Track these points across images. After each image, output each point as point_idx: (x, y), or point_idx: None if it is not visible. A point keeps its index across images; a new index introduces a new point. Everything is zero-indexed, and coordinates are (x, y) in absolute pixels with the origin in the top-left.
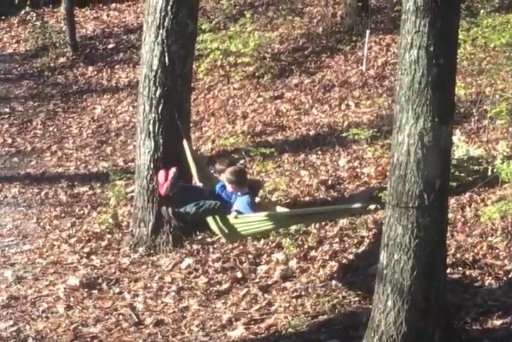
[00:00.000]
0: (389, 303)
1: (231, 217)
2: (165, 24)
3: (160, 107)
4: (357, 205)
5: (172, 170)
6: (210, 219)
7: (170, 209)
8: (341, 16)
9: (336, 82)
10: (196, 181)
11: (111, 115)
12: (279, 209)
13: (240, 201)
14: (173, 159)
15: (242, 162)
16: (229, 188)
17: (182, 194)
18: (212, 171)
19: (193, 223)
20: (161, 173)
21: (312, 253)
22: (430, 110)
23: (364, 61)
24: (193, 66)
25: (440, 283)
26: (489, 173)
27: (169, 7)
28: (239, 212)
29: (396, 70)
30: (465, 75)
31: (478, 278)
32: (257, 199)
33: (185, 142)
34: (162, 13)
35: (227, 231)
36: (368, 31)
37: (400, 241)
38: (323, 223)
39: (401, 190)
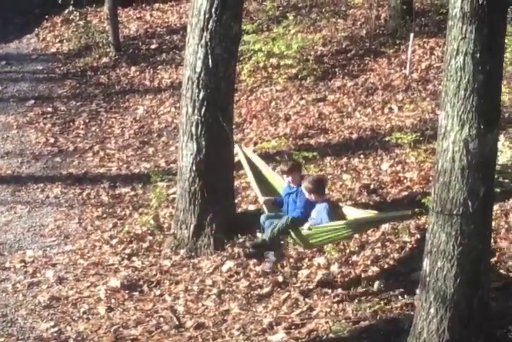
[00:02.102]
0: (432, 310)
1: (305, 229)
2: (209, 26)
3: (203, 110)
4: (408, 212)
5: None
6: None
7: (248, 244)
8: (385, 19)
9: (380, 85)
10: (259, 196)
11: (153, 116)
12: (347, 208)
13: (319, 209)
14: (216, 161)
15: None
16: (308, 196)
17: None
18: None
19: (273, 244)
20: None
21: (354, 258)
22: (475, 116)
23: (408, 64)
24: (236, 68)
25: (483, 291)
26: None
27: (213, 9)
28: (315, 223)
29: (440, 74)
30: (510, 80)
31: None
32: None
33: (237, 147)
34: (207, 16)
35: (300, 242)
36: (412, 34)
37: (443, 248)
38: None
39: (445, 197)
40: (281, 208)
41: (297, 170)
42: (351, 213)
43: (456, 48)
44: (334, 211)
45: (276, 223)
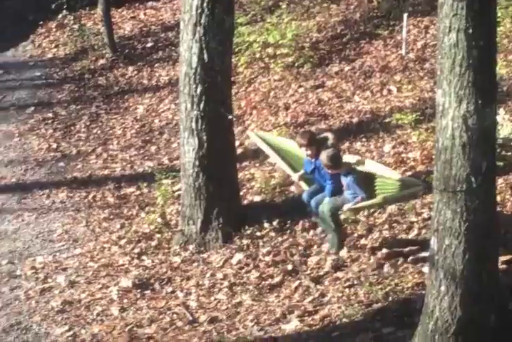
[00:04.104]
0: (443, 288)
1: (345, 211)
2: (202, 21)
3: (202, 104)
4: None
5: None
6: None
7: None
8: (377, 1)
9: (377, 67)
10: (291, 174)
11: (153, 114)
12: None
13: (348, 183)
14: (218, 155)
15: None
16: (329, 171)
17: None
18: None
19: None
20: None
21: (362, 241)
22: (472, 92)
23: (404, 45)
24: (232, 60)
25: (492, 265)
26: None
27: (205, 4)
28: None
29: (436, 52)
30: (506, 53)
31: None
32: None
33: (252, 134)
34: (199, 11)
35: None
36: (405, 14)
37: (450, 225)
38: (371, 210)
39: (447, 174)
40: (313, 179)
41: (315, 143)
42: (375, 168)
43: (449, 25)
44: (360, 182)
45: (324, 212)
